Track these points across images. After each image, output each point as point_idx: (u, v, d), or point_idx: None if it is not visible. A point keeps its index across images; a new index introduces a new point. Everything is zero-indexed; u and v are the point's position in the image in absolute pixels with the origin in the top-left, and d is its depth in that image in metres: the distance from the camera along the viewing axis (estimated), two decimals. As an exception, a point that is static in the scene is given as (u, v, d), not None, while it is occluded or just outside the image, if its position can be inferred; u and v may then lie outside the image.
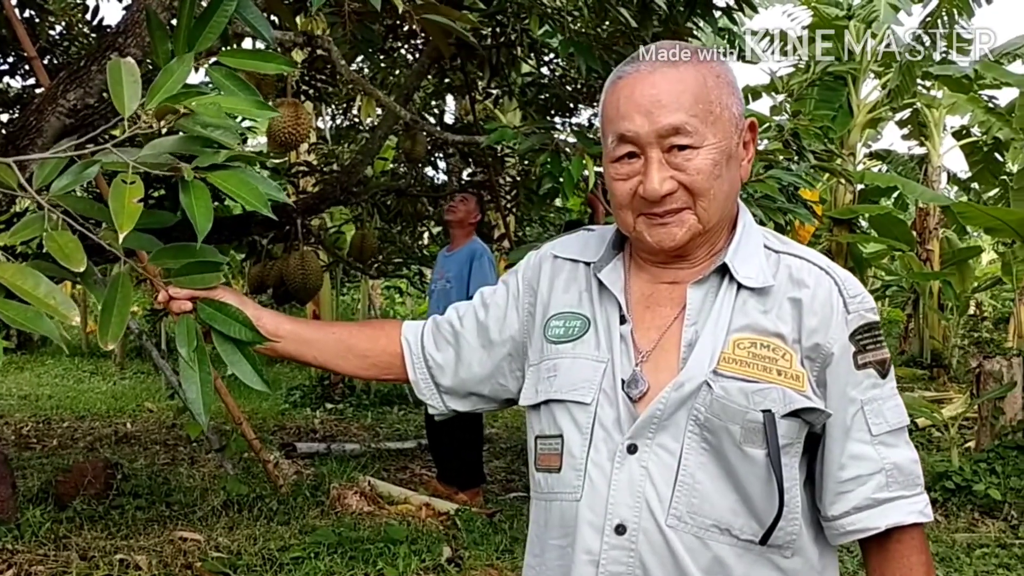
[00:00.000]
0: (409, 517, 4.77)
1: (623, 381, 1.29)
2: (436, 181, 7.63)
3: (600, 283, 1.37)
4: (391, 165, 8.00)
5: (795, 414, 1.24)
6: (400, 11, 1.69)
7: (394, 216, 6.87)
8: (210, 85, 1.46)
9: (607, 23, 4.14)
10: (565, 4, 3.59)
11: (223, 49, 1.56)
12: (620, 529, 1.25)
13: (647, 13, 3.29)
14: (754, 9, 3.93)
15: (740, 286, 1.29)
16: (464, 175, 7.46)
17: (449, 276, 5.39)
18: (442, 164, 7.73)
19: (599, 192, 3.66)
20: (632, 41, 4.06)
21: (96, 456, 5.89)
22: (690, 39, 4.14)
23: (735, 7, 3.72)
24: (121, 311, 1.24)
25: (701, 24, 3.97)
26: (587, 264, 1.41)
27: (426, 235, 9.38)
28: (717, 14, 3.71)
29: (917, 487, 1.29)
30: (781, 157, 3.24)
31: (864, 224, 12.28)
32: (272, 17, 3.96)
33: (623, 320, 1.33)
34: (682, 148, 1.24)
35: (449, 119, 8.66)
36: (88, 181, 1.36)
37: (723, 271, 1.30)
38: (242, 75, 1.46)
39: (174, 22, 2.62)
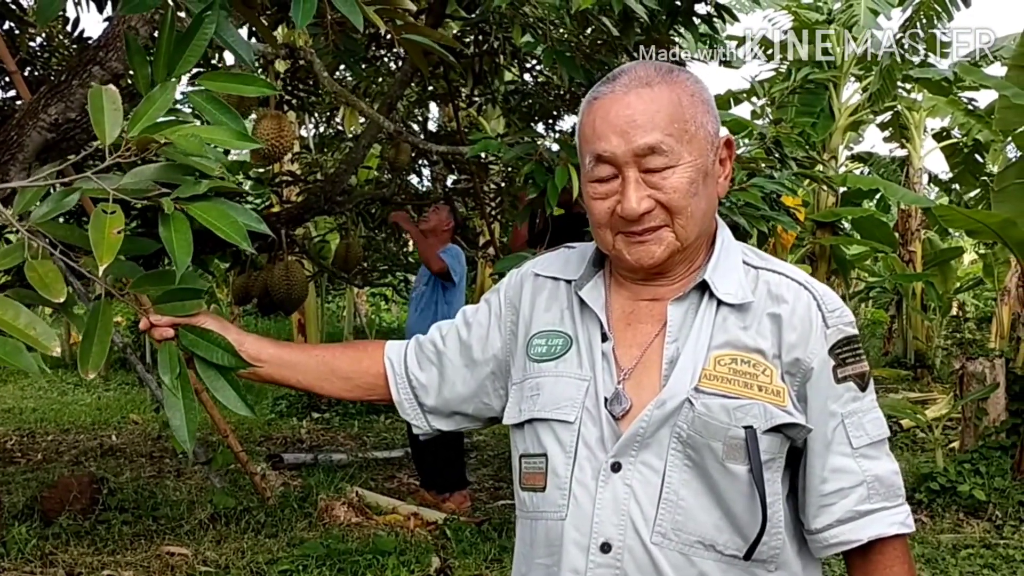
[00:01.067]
0: (397, 527, 4.76)
1: (606, 399, 1.29)
2: (421, 189, 7.63)
3: (581, 301, 1.38)
4: (375, 173, 8.00)
5: (776, 429, 1.25)
6: (383, 31, 1.69)
7: (379, 224, 6.87)
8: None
9: (589, 31, 4.16)
10: (547, 13, 3.60)
11: (204, 72, 1.56)
12: (605, 547, 1.26)
13: (628, 22, 3.31)
14: (734, 17, 3.96)
15: (720, 302, 1.30)
16: (449, 182, 7.47)
17: (425, 281, 5.52)
18: (426, 172, 7.75)
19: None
20: (614, 49, 4.08)
21: (81, 470, 5.87)
22: (671, 46, 4.16)
23: (716, 15, 3.74)
24: (102, 340, 1.25)
25: (682, 31, 3.99)
26: (568, 282, 1.41)
27: (411, 242, 9.38)
28: (697, 21, 3.72)
29: (899, 498, 1.30)
30: (763, 165, 3.26)
31: (847, 226, 12.34)
32: (251, 29, 3.96)
33: (604, 338, 1.34)
34: (658, 167, 1.25)
35: (433, 127, 8.68)
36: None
37: (703, 288, 1.31)
38: (223, 96, 1.46)
39: (155, 34, 2.63)
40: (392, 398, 1.52)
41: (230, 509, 4.76)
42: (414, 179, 7.72)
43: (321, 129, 8.99)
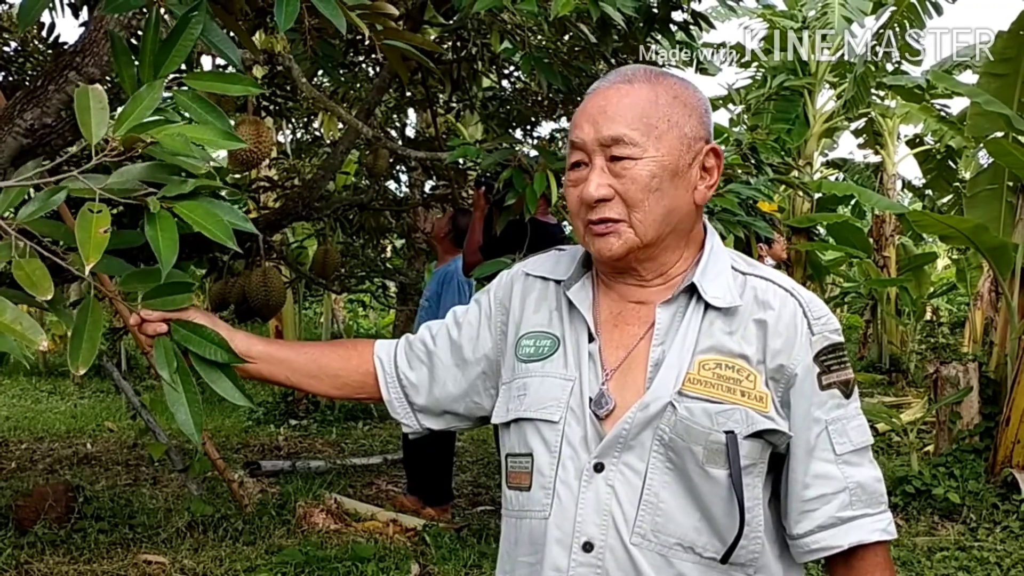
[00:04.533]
0: (376, 534, 4.74)
1: (590, 399, 1.31)
2: (400, 194, 7.63)
3: (570, 301, 1.39)
4: (354, 179, 7.98)
5: (758, 435, 1.27)
6: (366, 36, 1.70)
7: (357, 230, 6.86)
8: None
9: (568, 38, 4.18)
10: (525, 20, 3.61)
11: (187, 72, 1.56)
12: (587, 547, 1.27)
13: (606, 29, 3.33)
14: (711, 24, 4.00)
15: (708, 306, 1.32)
16: (427, 188, 7.47)
17: (428, 295, 5.46)
18: (404, 178, 7.74)
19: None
20: (592, 56, 4.10)
21: (56, 478, 5.79)
22: (647, 52, 4.19)
23: (692, 23, 3.77)
24: (92, 336, 1.24)
25: (659, 38, 4.02)
26: (557, 282, 1.43)
27: (389, 248, 9.36)
28: (674, 28, 3.76)
29: (881, 505, 1.32)
30: (740, 171, 3.29)
31: (822, 232, 12.46)
32: (229, 34, 3.94)
33: (591, 338, 1.36)
34: (623, 158, 1.29)
35: (411, 132, 8.67)
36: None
37: (691, 291, 1.33)
38: (206, 95, 1.46)
39: (133, 41, 2.62)
40: (382, 397, 1.53)
41: (208, 517, 4.71)
42: (393, 185, 7.71)
43: (299, 135, 8.97)
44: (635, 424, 1.28)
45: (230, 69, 1.78)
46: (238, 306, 5.39)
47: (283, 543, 4.47)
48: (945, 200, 13.09)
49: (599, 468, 1.29)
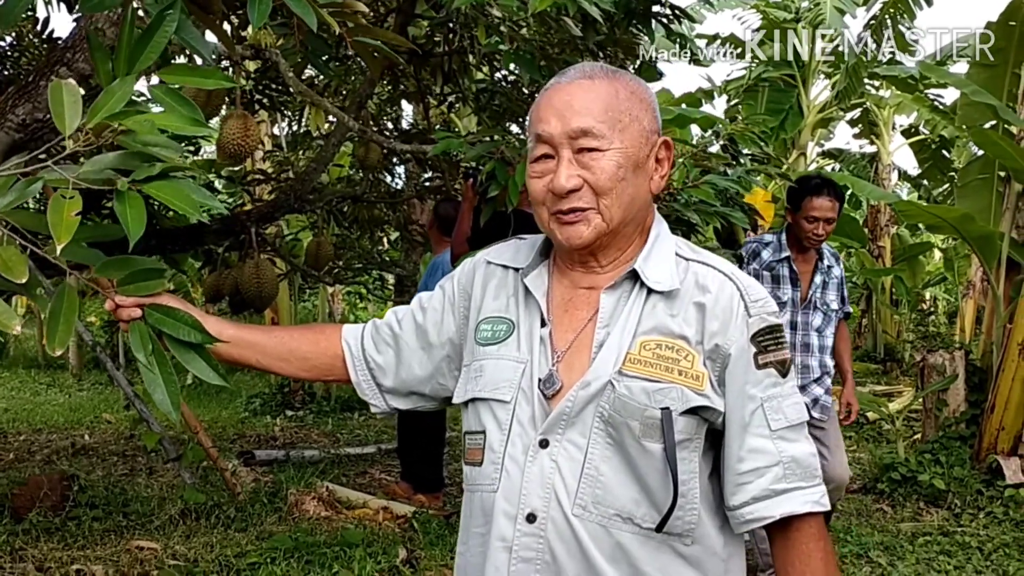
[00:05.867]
0: (366, 521, 4.82)
1: (539, 380, 1.38)
2: (395, 186, 7.67)
3: (526, 288, 1.47)
4: (349, 171, 8.03)
5: (693, 412, 1.34)
6: (336, 32, 1.76)
7: (351, 222, 6.92)
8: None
9: (553, 32, 4.23)
10: (511, 14, 3.66)
11: (164, 66, 1.62)
12: (531, 518, 1.35)
13: (588, 23, 3.39)
14: (691, 19, 4.05)
15: (650, 291, 1.39)
16: (424, 180, 7.51)
17: (420, 285, 5.53)
18: (400, 170, 7.79)
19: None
20: (577, 48, 4.15)
21: (53, 469, 5.87)
22: (636, 46, 4.24)
23: (672, 19, 3.82)
24: (67, 319, 1.31)
25: (648, 31, 4.05)
26: (516, 270, 1.50)
27: (385, 240, 9.39)
28: (655, 24, 3.80)
29: (815, 479, 1.38)
30: (716, 162, 3.35)
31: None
32: (206, 34, 3.98)
33: (544, 323, 1.43)
34: (590, 150, 1.35)
35: (407, 125, 8.72)
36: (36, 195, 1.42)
37: (635, 277, 1.40)
38: (186, 91, 1.53)
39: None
40: (350, 378, 1.60)
41: (200, 505, 4.78)
42: (390, 178, 7.75)
43: (294, 127, 9.01)
44: (577, 402, 1.35)
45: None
46: (232, 297, 5.46)
47: (274, 529, 4.54)
48: (940, 190, 13.15)
49: (544, 444, 1.36)
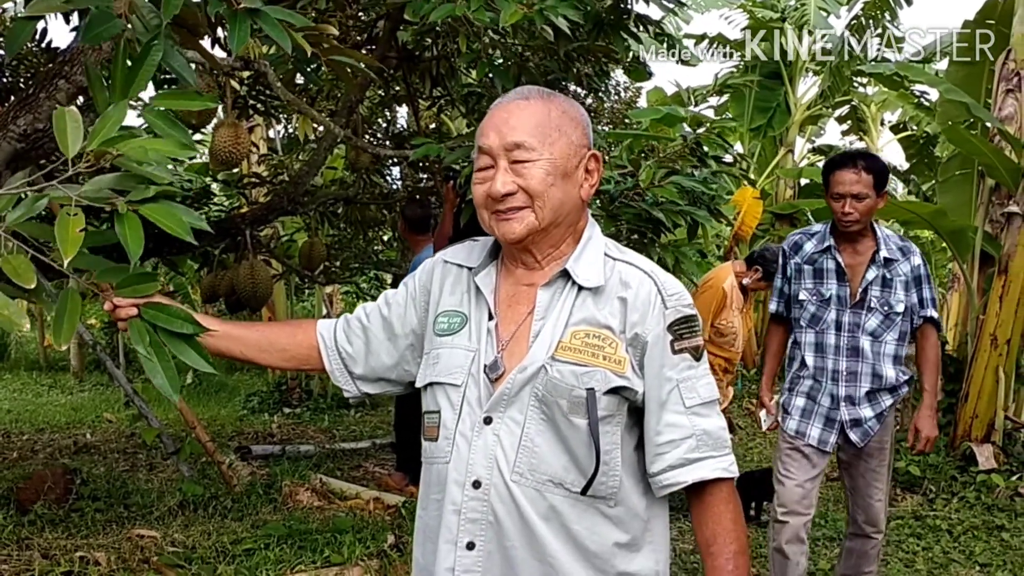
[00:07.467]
0: (358, 510, 5.01)
1: (485, 366, 1.59)
2: (391, 187, 7.83)
3: (477, 285, 1.67)
4: (343, 173, 8.20)
5: (614, 391, 1.55)
6: (308, 53, 1.95)
7: (345, 224, 7.10)
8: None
9: (535, 37, 4.40)
10: (486, 26, 3.83)
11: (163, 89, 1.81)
12: (476, 484, 1.57)
13: (559, 33, 3.56)
14: (663, 32, 4.23)
15: (580, 287, 1.60)
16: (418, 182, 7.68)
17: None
18: (395, 171, 7.94)
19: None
20: (553, 54, 4.32)
21: (56, 465, 6.05)
22: (614, 52, 4.41)
23: (643, 30, 3.99)
24: (71, 317, 1.50)
25: (637, 30, 4.18)
26: (469, 269, 1.71)
27: (380, 240, 9.54)
28: (624, 36, 3.96)
29: (724, 449, 1.60)
30: (684, 164, 3.53)
31: (810, 218, 12.67)
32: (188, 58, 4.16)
33: (491, 316, 1.64)
34: (522, 159, 1.56)
35: (402, 127, 8.87)
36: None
37: (567, 275, 1.61)
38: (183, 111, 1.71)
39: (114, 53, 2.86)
40: (324, 367, 1.82)
41: (198, 496, 4.99)
42: (384, 179, 7.90)
43: (289, 131, 9.17)
44: (516, 384, 1.57)
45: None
46: (227, 298, 5.65)
47: (268, 519, 4.74)
48: (928, 185, 13.31)
49: (488, 421, 1.58)
